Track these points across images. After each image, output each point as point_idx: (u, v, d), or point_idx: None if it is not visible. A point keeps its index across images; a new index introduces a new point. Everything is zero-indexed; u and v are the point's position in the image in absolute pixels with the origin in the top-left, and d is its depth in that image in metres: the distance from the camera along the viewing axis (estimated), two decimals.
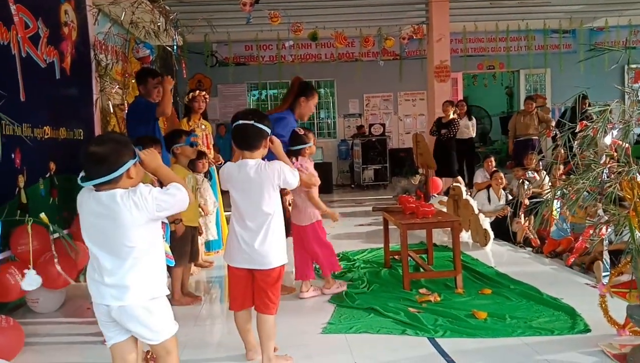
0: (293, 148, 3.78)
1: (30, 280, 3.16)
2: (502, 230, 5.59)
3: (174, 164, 3.92)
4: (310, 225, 3.92)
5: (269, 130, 2.71)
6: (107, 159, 1.95)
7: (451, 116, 8.29)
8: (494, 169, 6.74)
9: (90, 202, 2.00)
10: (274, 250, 2.65)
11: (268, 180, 2.63)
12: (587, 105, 7.71)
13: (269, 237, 2.63)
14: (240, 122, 2.67)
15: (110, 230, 1.98)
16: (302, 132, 3.87)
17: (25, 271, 3.16)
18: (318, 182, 3.86)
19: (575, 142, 2.74)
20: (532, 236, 5.26)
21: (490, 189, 6.38)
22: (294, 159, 3.69)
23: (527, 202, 5.70)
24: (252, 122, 2.65)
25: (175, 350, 2.14)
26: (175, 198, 2.05)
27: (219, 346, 3.18)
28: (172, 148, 3.93)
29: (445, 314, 3.41)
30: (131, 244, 1.98)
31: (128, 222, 1.96)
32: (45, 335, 3.43)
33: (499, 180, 6.33)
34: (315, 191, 3.88)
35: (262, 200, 2.63)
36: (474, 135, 9.31)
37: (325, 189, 3.94)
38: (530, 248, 5.30)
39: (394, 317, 3.41)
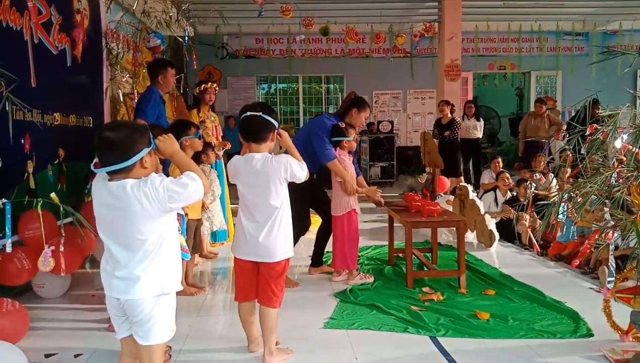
0: (332, 139, 4.07)
1: (46, 260, 3.23)
2: (509, 232, 5.57)
3: None
4: (340, 217, 4.09)
5: (276, 123, 2.70)
6: (120, 146, 1.86)
7: (449, 116, 8.25)
8: (500, 169, 6.73)
9: (102, 192, 1.93)
10: (278, 243, 2.65)
11: (275, 174, 2.63)
12: (598, 109, 7.68)
13: (274, 231, 2.64)
14: (248, 113, 2.68)
15: (121, 222, 1.90)
16: (343, 125, 4.13)
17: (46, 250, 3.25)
18: (347, 177, 4.06)
19: (585, 145, 2.72)
20: (533, 240, 5.24)
21: (497, 190, 6.36)
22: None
23: (522, 200, 5.74)
24: (259, 113, 2.65)
25: (158, 360, 2.02)
26: (187, 189, 1.91)
27: (222, 337, 3.20)
28: (181, 140, 3.90)
29: (447, 314, 3.41)
30: (142, 237, 1.90)
31: (138, 213, 1.87)
32: (50, 320, 3.46)
33: (506, 181, 6.31)
34: (352, 182, 4.07)
35: (269, 194, 2.63)
36: (480, 136, 9.27)
37: (331, 185, 4.04)
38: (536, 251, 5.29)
39: (397, 314, 3.41)
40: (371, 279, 4.17)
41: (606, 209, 2.78)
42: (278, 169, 2.63)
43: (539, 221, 5.42)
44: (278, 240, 2.65)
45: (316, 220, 4.41)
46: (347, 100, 4.37)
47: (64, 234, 3.38)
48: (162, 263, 1.96)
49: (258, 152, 2.67)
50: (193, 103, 5.42)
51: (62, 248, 3.34)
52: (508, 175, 6.45)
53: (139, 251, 1.92)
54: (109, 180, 1.92)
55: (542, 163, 6.70)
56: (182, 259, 2.16)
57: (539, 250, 5.14)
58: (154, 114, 4.27)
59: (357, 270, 4.21)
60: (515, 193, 6.25)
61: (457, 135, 8.22)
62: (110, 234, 1.96)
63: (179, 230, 2.06)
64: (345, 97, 4.50)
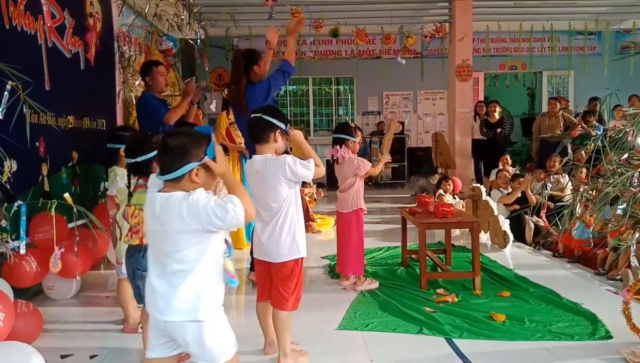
0: (336, 135, 4.00)
1: (56, 262, 3.26)
2: (518, 231, 5.56)
3: None
4: (347, 214, 4.01)
5: (280, 124, 2.64)
6: (172, 155, 1.79)
7: (497, 116, 8.32)
8: (499, 168, 6.78)
9: (150, 201, 1.86)
10: (283, 243, 2.63)
11: (273, 175, 2.60)
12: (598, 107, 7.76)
13: (277, 231, 2.63)
14: (251, 115, 2.70)
15: (160, 234, 1.81)
16: (353, 125, 4.14)
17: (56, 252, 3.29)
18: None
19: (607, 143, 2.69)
20: (552, 232, 5.25)
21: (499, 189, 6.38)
22: (337, 147, 3.96)
23: (533, 200, 5.74)
24: (260, 114, 2.65)
25: None
26: (228, 214, 1.76)
27: (236, 339, 3.18)
28: None
29: (462, 315, 3.38)
30: (179, 253, 1.79)
31: (177, 227, 1.77)
32: (64, 322, 3.47)
33: (503, 178, 6.38)
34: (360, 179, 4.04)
35: (269, 195, 2.62)
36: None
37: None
38: (550, 251, 5.27)
39: (411, 314, 3.38)
40: (377, 284, 4.07)
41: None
42: (275, 169, 2.59)
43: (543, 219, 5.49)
44: (282, 240, 2.63)
45: (327, 221, 4.38)
46: (241, 65, 3.83)
47: (78, 236, 3.39)
48: (198, 287, 1.83)
49: (261, 153, 2.67)
50: (222, 105, 5.47)
51: (76, 249, 3.36)
52: (505, 173, 6.49)
53: (176, 270, 1.81)
54: (160, 190, 1.84)
55: (557, 164, 6.63)
56: (231, 285, 2.01)
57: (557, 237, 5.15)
58: (156, 118, 4.09)
59: (363, 275, 4.10)
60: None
61: (507, 132, 8.39)
62: (152, 246, 1.89)
63: (225, 254, 1.90)
64: (234, 62, 3.89)
